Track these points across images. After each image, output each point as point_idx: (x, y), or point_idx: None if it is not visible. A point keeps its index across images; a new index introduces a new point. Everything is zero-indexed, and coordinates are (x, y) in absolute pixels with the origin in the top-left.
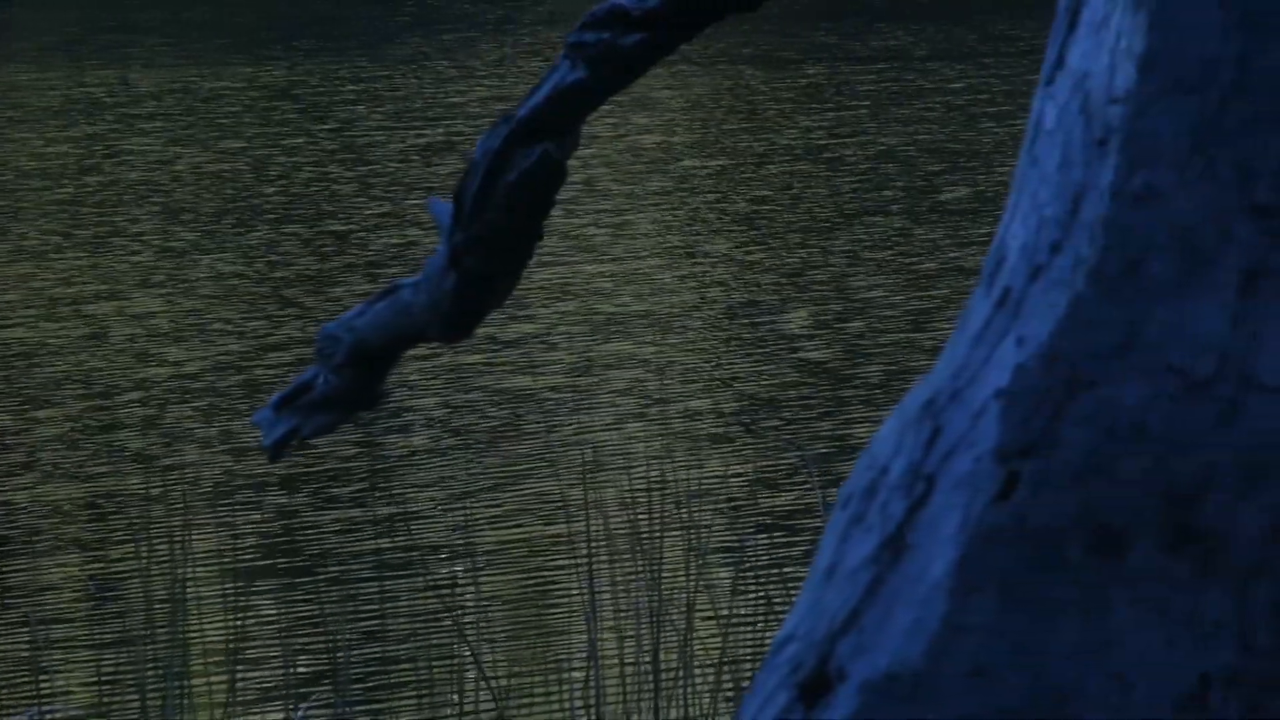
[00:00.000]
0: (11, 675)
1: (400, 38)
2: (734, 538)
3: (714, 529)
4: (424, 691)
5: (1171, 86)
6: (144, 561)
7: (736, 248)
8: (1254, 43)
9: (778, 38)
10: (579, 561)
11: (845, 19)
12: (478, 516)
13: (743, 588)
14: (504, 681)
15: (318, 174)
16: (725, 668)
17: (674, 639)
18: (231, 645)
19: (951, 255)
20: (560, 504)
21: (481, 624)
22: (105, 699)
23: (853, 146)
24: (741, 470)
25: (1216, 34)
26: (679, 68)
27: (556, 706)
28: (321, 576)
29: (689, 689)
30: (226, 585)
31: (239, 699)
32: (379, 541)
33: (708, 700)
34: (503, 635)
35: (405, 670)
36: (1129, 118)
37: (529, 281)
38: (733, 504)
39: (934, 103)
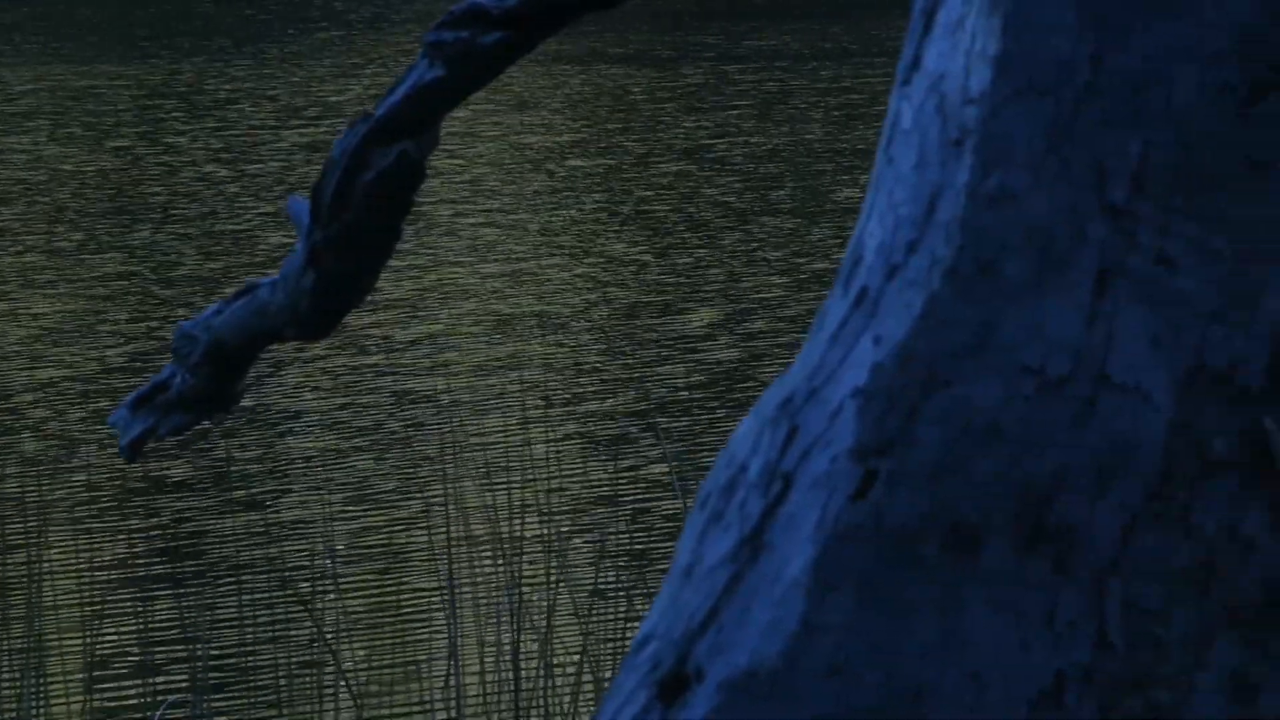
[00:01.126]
0: None
1: (274, 36)
2: (595, 537)
3: (575, 528)
4: (283, 693)
5: (1026, 88)
6: None
7: (627, 248)
8: (1107, 44)
9: (652, 36)
10: (439, 562)
11: (715, 19)
12: (338, 519)
13: (603, 587)
14: (364, 683)
15: (199, 173)
16: (586, 667)
17: (534, 639)
18: (89, 651)
19: (839, 256)
20: (421, 506)
21: (342, 626)
22: None
23: (736, 146)
24: (603, 469)
25: (1070, 35)
26: (559, 67)
27: (417, 707)
28: (181, 580)
29: (549, 689)
30: (84, 591)
31: (96, 705)
32: (239, 545)
33: (568, 700)
34: (363, 637)
35: (265, 673)
36: (984, 119)
37: (408, 283)
38: (594, 503)
39: (814, 102)
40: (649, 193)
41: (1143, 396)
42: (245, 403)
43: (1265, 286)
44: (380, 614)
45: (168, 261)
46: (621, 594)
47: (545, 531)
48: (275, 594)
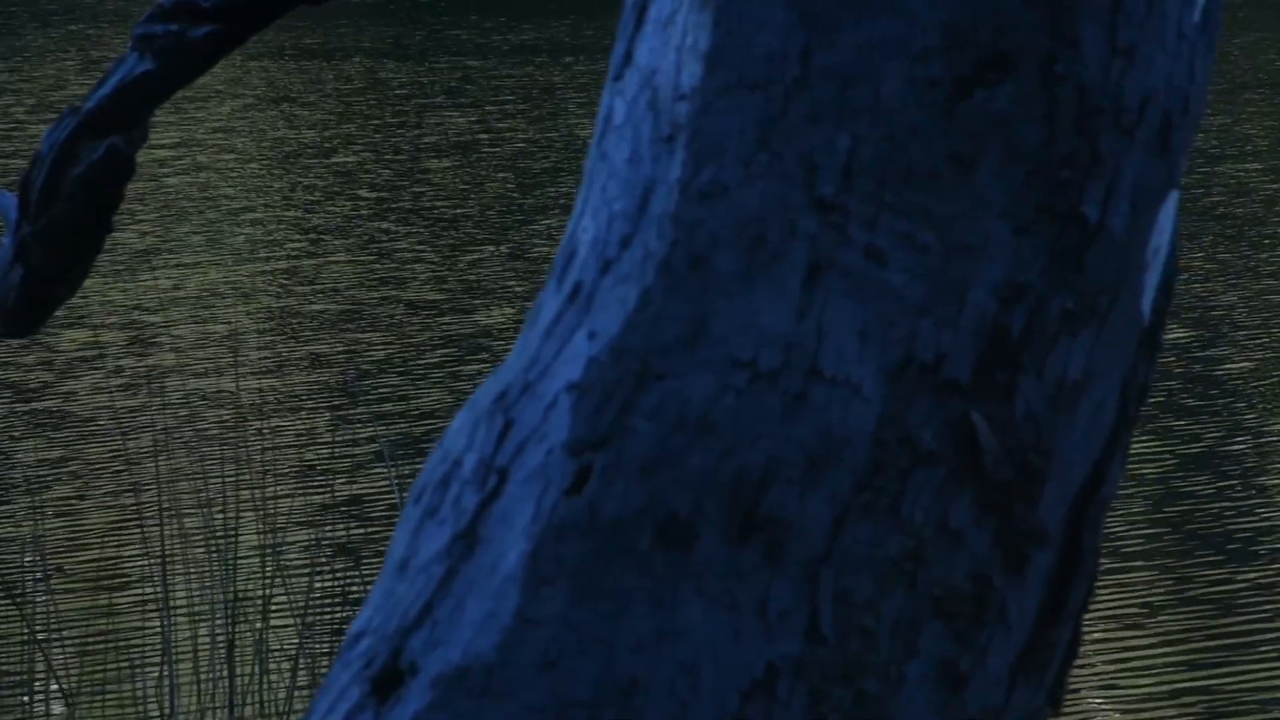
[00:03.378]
0: None
1: (21, 30)
2: (311, 532)
3: (291, 523)
4: None
5: (736, 83)
6: None
7: (399, 243)
8: (816, 40)
9: (400, 29)
10: (153, 560)
11: (465, 12)
12: (51, 518)
13: (320, 584)
14: (75, 681)
15: None
16: (301, 663)
17: (249, 634)
18: None
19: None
20: (135, 504)
21: (53, 623)
22: None
23: (503, 140)
24: (320, 464)
25: (780, 32)
26: (314, 62)
27: (130, 705)
28: None
29: (264, 685)
30: None
31: None
32: None
33: (283, 696)
34: (74, 634)
35: None
36: (695, 114)
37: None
38: (310, 499)
39: (570, 97)
40: (423, 188)
41: (853, 389)
42: None
43: (972, 281)
44: (93, 613)
45: None
46: (338, 590)
47: (261, 527)
48: None
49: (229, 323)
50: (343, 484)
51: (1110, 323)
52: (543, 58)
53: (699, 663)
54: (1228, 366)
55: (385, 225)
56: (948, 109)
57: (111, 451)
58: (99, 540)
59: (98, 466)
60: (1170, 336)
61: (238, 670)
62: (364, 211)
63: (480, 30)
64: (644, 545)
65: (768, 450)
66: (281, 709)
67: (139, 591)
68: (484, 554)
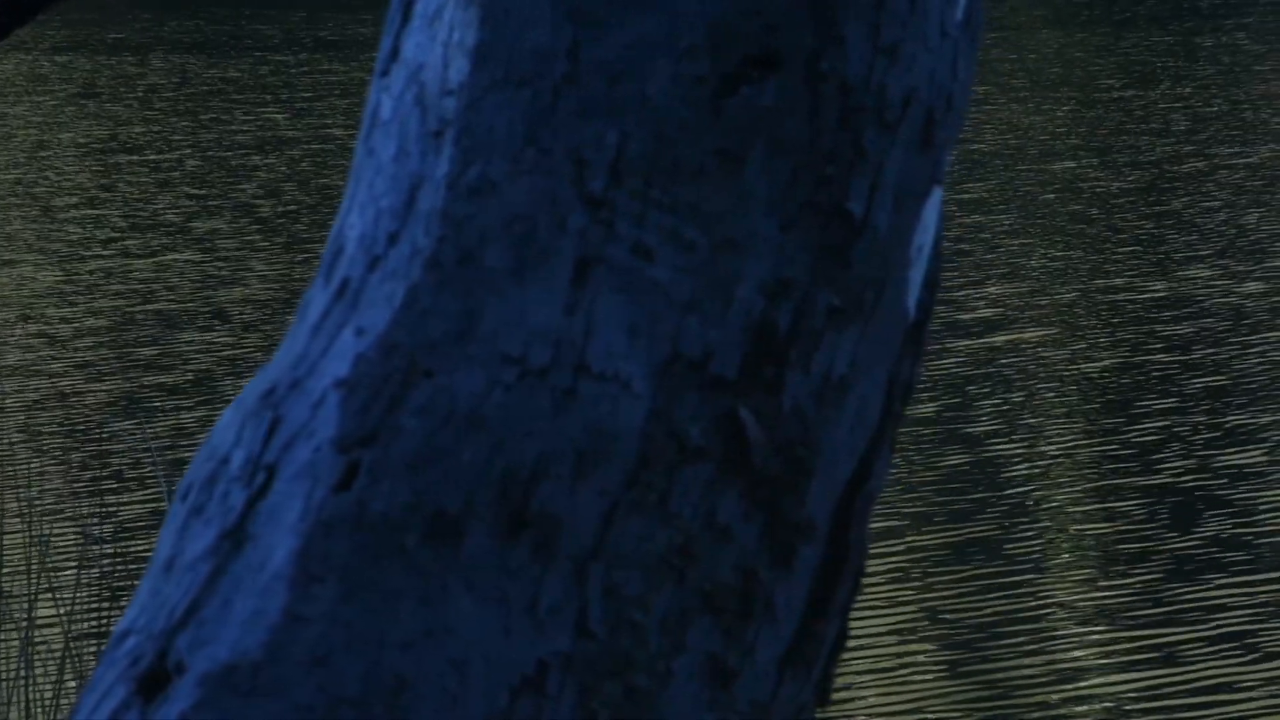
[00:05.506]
0: None
1: None
2: (77, 529)
3: (58, 521)
4: None
5: (504, 79)
6: None
7: (224, 241)
8: (584, 35)
9: (202, 22)
10: None
11: (265, 6)
12: None
13: (86, 581)
14: None
15: None
16: (68, 662)
17: (14, 634)
18: None
19: None
20: None
21: None
22: None
23: (319, 136)
24: (87, 465)
25: (547, 27)
26: (114, 58)
27: None
28: None
29: (30, 684)
30: None
31: None
32: None
33: (50, 695)
34: None
35: None
36: (463, 110)
37: None
38: (77, 498)
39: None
40: (246, 185)
41: (621, 385)
42: None
43: (739, 277)
44: None
45: None
46: (105, 589)
47: (26, 526)
48: None
49: (36, 320)
50: (109, 484)
51: (876, 319)
52: (347, 52)
53: (469, 659)
54: (1081, 365)
55: (209, 224)
56: (714, 106)
57: None
58: None
59: None
60: (1020, 337)
61: (1, 670)
62: (188, 208)
63: (283, 25)
64: (413, 542)
65: (537, 446)
66: (47, 707)
67: None
68: (252, 551)
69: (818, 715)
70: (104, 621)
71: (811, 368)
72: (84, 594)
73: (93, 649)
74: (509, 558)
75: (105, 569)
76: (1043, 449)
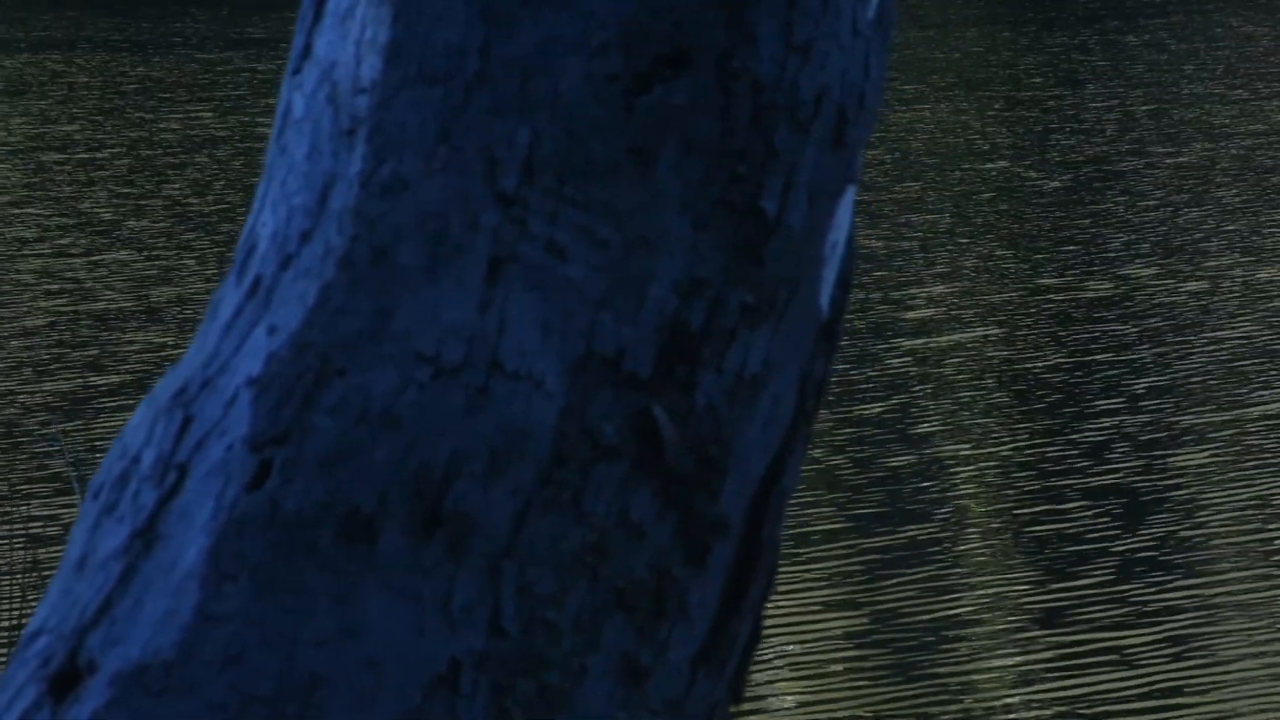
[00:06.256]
0: None
1: None
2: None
3: None
4: None
5: (416, 76)
6: None
7: (161, 240)
8: (496, 33)
9: (125, 20)
10: None
11: (187, 4)
12: None
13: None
14: None
15: None
16: None
17: None
18: None
19: None
20: None
21: None
22: None
23: (237, 134)
24: (12, 464)
25: (459, 25)
26: (39, 56)
27: None
28: None
29: None
30: None
31: None
32: None
33: None
34: None
35: None
36: (375, 108)
37: None
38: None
39: (244, 90)
40: (175, 185)
41: (535, 383)
42: None
43: (652, 275)
44: None
45: None
46: (16, 588)
47: None
48: None
49: None
50: (20, 484)
51: (789, 317)
52: (274, 50)
53: (382, 658)
54: (1024, 366)
55: (140, 223)
56: (627, 104)
57: None
58: None
59: None
60: (962, 337)
61: None
62: (119, 206)
63: (209, 23)
64: (326, 540)
65: (451, 445)
66: None
67: None
68: (163, 551)
69: (732, 713)
70: (15, 622)
71: (724, 366)
72: None
73: (3, 651)
74: (422, 556)
75: (15, 569)
76: (988, 450)
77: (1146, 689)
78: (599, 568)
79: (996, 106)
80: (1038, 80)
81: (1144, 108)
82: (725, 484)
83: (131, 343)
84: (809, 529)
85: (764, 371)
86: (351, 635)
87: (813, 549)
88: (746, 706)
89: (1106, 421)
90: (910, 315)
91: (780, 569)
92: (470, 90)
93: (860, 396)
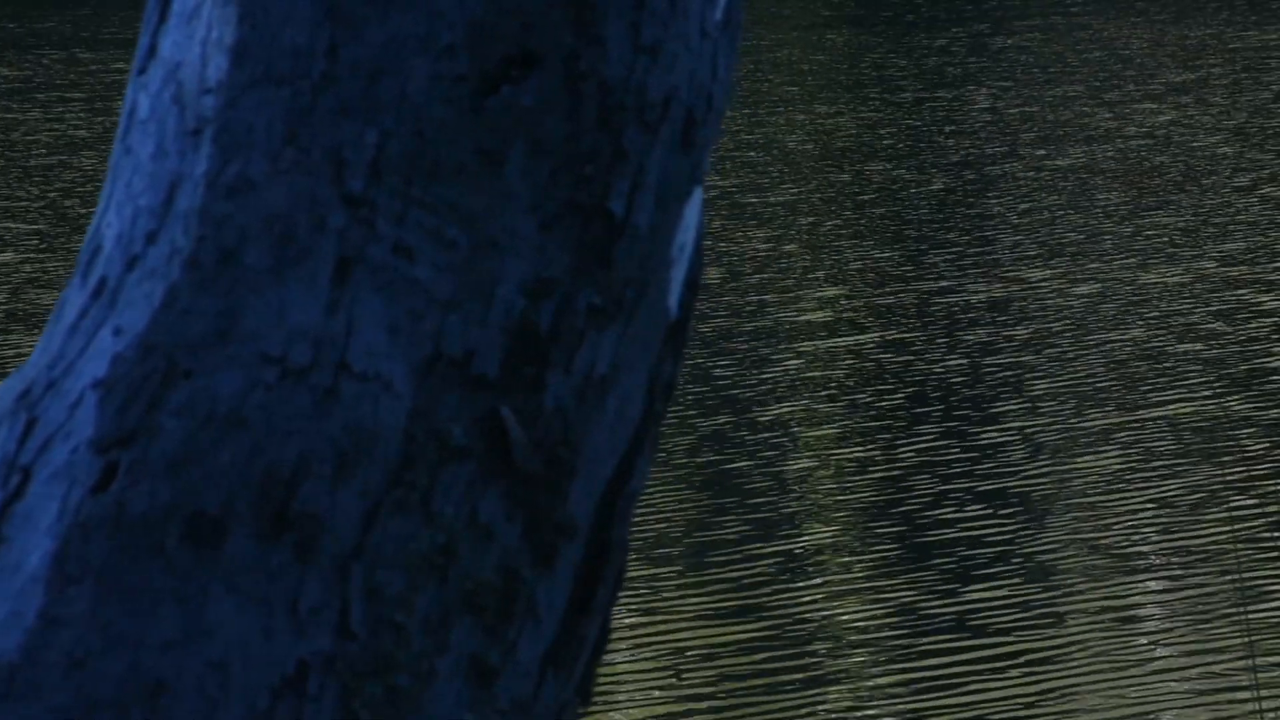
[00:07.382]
0: None
1: None
2: None
3: None
4: None
5: (263, 77)
6: None
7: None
8: (343, 34)
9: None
10: None
11: (54, 3)
12: None
13: None
14: None
15: None
16: None
17: None
18: None
19: None
20: None
21: None
22: None
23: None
24: None
25: (306, 26)
26: None
27: None
28: None
29: None
30: None
31: None
32: None
33: None
34: None
35: None
36: (221, 108)
37: None
38: None
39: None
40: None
41: (383, 384)
42: None
43: (500, 276)
44: None
45: None
46: None
47: None
48: None
49: None
50: None
51: (637, 318)
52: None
53: (229, 661)
54: (920, 369)
55: (10, 226)
56: (474, 105)
57: None
58: None
59: None
60: (856, 340)
61: None
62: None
63: (71, 23)
64: (172, 543)
65: (298, 446)
66: None
67: None
68: (7, 554)
69: (580, 714)
70: None
71: (573, 367)
72: None
73: None
74: (270, 558)
75: None
76: (892, 454)
77: (1047, 693)
78: (448, 569)
79: (868, 108)
80: (907, 83)
81: (1016, 109)
82: (573, 485)
83: (2, 346)
84: (706, 536)
85: (612, 372)
86: (198, 638)
87: (710, 555)
88: (643, 715)
89: (1002, 425)
90: (801, 319)
91: (677, 575)
92: (317, 91)
93: (760, 401)
